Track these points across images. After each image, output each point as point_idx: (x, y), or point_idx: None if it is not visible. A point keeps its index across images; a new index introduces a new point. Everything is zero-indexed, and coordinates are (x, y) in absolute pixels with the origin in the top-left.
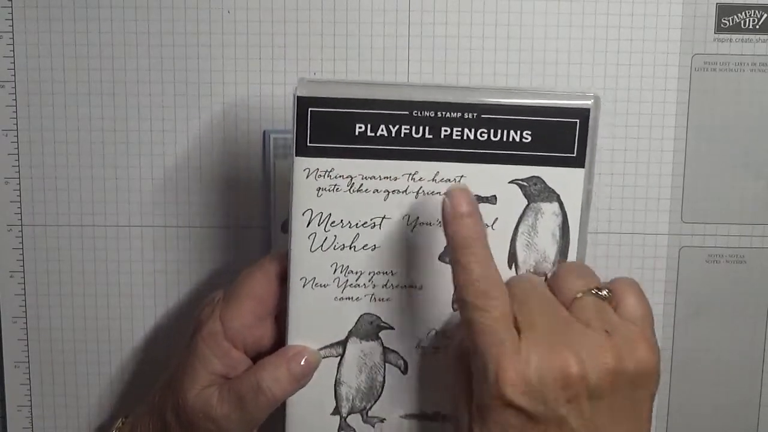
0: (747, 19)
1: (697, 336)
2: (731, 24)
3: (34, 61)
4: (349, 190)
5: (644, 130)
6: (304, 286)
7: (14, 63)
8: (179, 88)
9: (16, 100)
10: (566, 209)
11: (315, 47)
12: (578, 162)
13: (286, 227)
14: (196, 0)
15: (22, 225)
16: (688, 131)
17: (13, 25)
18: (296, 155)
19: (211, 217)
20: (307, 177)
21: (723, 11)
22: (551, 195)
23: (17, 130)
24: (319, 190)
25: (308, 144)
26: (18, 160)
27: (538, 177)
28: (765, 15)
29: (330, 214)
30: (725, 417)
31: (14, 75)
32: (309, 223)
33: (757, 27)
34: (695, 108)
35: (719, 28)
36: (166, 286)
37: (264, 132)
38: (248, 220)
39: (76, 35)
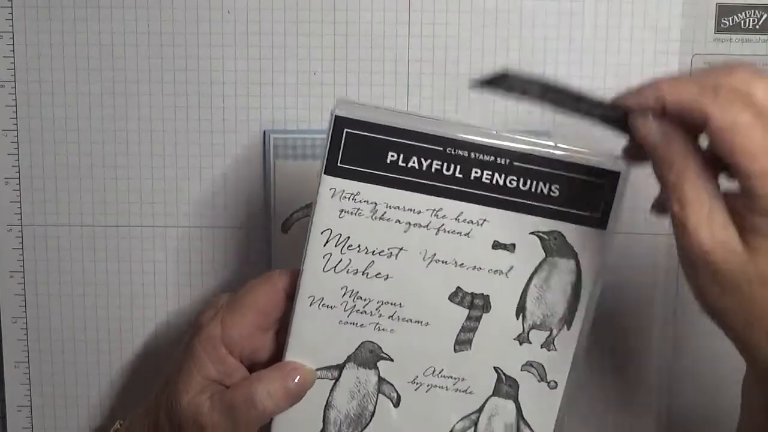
0: (747, 19)
1: (699, 335)
2: (731, 24)
3: (34, 61)
4: (372, 216)
5: None
6: (310, 304)
7: (14, 63)
8: (179, 88)
9: (16, 100)
10: (582, 268)
11: (315, 47)
12: (601, 224)
13: (285, 227)
14: (196, 0)
15: (22, 225)
16: None
17: (13, 25)
18: (324, 173)
19: (211, 217)
20: (332, 197)
21: (723, 11)
22: (569, 252)
23: (17, 130)
24: (341, 212)
25: (338, 164)
26: (18, 160)
27: (559, 232)
28: (765, 15)
29: (348, 237)
30: (726, 417)
31: (14, 75)
32: (326, 243)
33: (757, 27)
34: None
35: (719, 28)
36: (166, 286)
37: (264, 132)
38: (248, 220)
39: (76, 35)
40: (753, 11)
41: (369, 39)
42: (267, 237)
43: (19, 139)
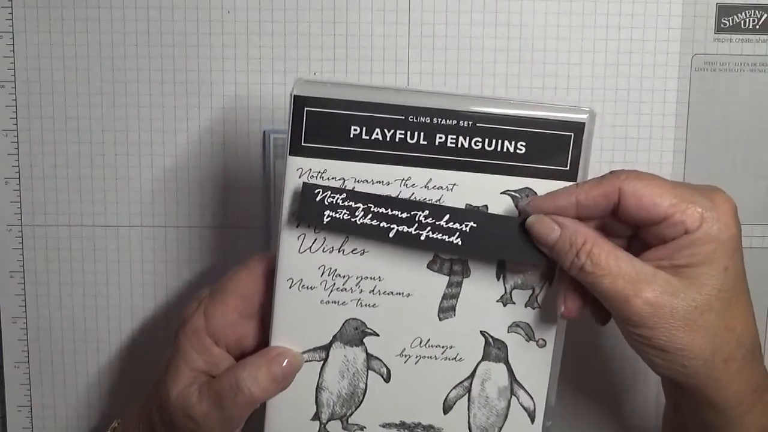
0: (747, 19)
1: None
2: (731, 24)
3: (34, 61)
4: None
5: (644, 131)
6: (290, 287)
7: (14, 63)
8: (179, 88)
9: (16, 100)
10: None
11: (315, 47)
12: (570, 176)
13: None
14: (196, 0)
15: (22, 225)
16: (688, 131)
17: (13, 25)
18: (290, 154)
19: (211, 217)
20: (300, 177)
21: (723, 11)
22: None
23: (17, 130)
24: None
25: (302, 144)
26: (18, 160)
27: (530, 189)
28: (765, 15)
29: None
30: None
31: (14, 75)
32: (299, 224)
33: (757, 27)
34: (695, 108)
35: (719, 28)
36: (166, 286)
37: (264, 132)
38: (248, 220)
39: (76, 35)
40: (753, 11)
41: (369, 39)
42: (267, 237)
43: (19, 139)
